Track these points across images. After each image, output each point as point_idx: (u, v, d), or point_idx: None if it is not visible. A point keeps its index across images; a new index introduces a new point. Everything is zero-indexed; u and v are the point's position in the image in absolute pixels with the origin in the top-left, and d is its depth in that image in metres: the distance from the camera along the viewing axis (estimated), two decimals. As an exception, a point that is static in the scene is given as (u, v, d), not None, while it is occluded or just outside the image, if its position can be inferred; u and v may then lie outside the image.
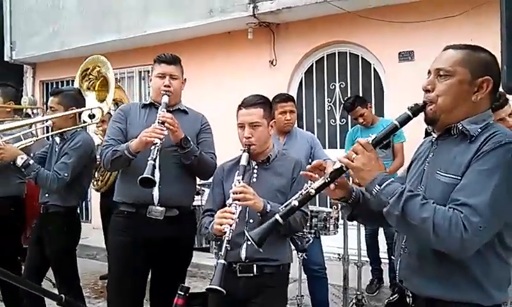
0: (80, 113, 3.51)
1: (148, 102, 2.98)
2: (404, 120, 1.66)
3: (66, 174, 3.21)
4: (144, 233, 2.77)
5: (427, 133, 1.90)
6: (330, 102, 6.10)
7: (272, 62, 6.18)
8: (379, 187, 1.59)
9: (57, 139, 3.43)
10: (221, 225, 2.23)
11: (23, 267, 4.43)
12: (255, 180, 2.48)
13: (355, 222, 4.32)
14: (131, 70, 7.60)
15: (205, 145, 2.99)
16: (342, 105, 5.67)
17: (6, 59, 8.45)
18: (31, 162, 3.23)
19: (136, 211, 2.83)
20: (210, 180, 3.06)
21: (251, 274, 2.37)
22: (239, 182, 2.32)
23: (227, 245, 2.17)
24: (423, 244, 1.58)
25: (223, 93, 6.25)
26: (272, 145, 2.59)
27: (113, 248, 2.95)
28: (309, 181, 1.78)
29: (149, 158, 2.56)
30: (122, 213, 2.88)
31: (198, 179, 3.17)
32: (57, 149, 3.40)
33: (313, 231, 3.52)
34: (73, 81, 8.14)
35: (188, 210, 3.04)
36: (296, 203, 1.73)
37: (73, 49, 7.53)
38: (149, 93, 6.34)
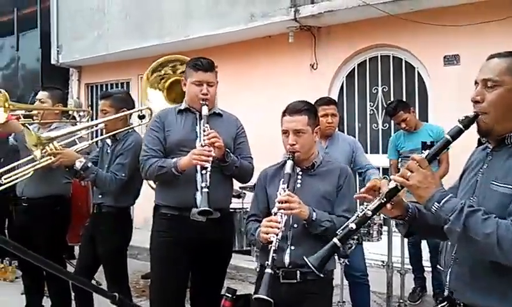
0: (130, 114, 3.60)
1: (183, 108, 2.98)
2: (456, 134, 1.64)
3: (123, 175, 3.30)
4: (187, 235, 2.81)
5: (480, 142, 1.85)
6: (372, 106, 6.01)
7: (313, 66, 6.15)
8: (438, 204, 1.57)
9: (109, 141, 3.52)
10: (267, 234, 2.26)
11: (68, 265, 4.57)
12: (299, 185, 2.48)
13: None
14: (172, 73, 7.71)
15: (243, 150, 3.02)
16: (384, 110, 5.59)
17: (52, 62, 8.74)
18: (90, 164, 3.33)
19: (178, 214, 2.86)
20: (251, 183, 3.09)
21: (295, 281, 2.36)
22: (284, 190, 2.33)
23: (274, 254, 2.20)
24: (483, 257, 1.54)
25: (263, 97, 6.27)
26: (317, 151, 2.57)
27: (156, 249, 2.98)
28: (364, 203, 1.77)
29: (202, 185, 2.64)
30: (165, 215, 2.92)
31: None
32: (109, 151, 3.48)
33: (356, 237, 3.47)
34: (116, 84, 8.45)
35: (227, 212, 3.08)
36: (353, 225, 1.74)
37: (117, 53, 7.72)
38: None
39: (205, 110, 2.83)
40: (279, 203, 2.29)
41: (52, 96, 3.88)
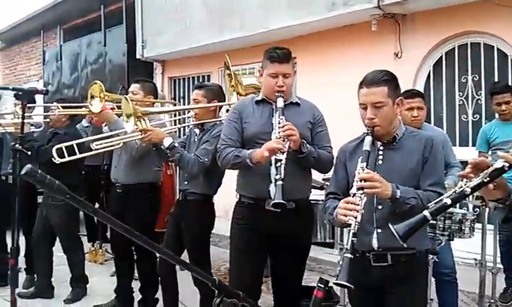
0: (220, 107, 3.69)
1: (260, 98, 2.98)
2: None
3: (206, 160, 3.38)
4: (263, 224, 2.83)
5: None
6: (461, 96, 5.69)
7: (397, 55, 5.93)
8: None
9: (197, 130, 3.62)
10: (345, 216, 2.14)
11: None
12: (380, 162, 2.31)
13: (492, 226, 4.04)
14: (252, 66, 7.77)
15: (321, 139, 2.96)
16: (474, 100, 5.29)
17: (137, 56, 9.10)
18: (176, 144, 3.43)
19: (255, 203, 2.89)
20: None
21: (386, 263, 2.24)
22: (363, 169, 2.18)
23: (353, 238, 2.08)
24: None
25: (344, 87, 6.13)
26: (398, 123, 2.38)
27: (234, 236, 3.03)
28: (463, 179, 1.67)
29: (277, 177, 2.62)
30: (243, 204, 2.97)
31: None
32: (196, 140, 3.59)
33: (446, 233, 3.31)
34: (198, 77, 8.66)
35: (306, 203, 3.02)
36: (448, 201, 1.64)
37: (198, 46, 7.90)
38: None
39: (280, 103, 2.80)
40: (358, 182, 2.15)
41: (143, 88, 4.04)
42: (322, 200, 3.78)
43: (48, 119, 4.48)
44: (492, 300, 3.86)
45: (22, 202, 3.07)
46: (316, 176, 3.16)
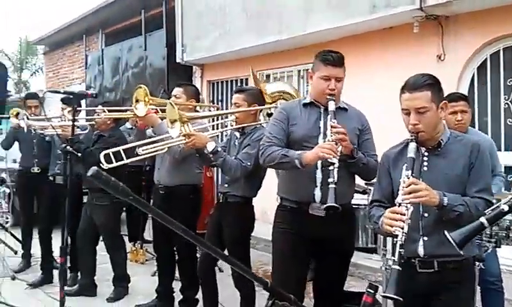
0: (260, 110, 3.71)
1: (308, 101, 2.95)
2: None
3: (249, 164, 3.40)
4: (306, 228, 2.82)
5: None
6: (507, 100, 5.53)
7: (440, 57, 5.81)
8: None
9: (237, 134, 3.65)
10: (391, 226, 2.11)
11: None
12: (425, 168, 2.26)
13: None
14: (290, 69, 7.78)
15: (368, 147, 2.94)
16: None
17: (177, 60, 9.22)
18: (219, 148, 3.47)
19: (297, 207, 2.87)
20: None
21: (432, 270, 2.20)
22: (408, 178, 2.13)
23: (400, 250, 2.04)
24: None
25: (385, 91, 6.06)
26: (443, 127, 2.32)
27: (276, 240, 3.03)
28: None
29: (330, 180, 2.58)
30: (285, 207, 2.95)
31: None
32: (236, 144, 3.62)
33: (493, 240, 3.21)
34: (236, 80, 8.73)
35: (348, 207, 3.00)
36: (505, 207, 1.61)
37: (237, 50, 7.96)
38: (307, 91, 6.46)
39: (331, 106, 2.77)
40: (404, 190, 2.10)
41: (186, 91, 4.10)
42: (364, 205, 3.76)
43: (93, 122, 4.61)
44: (540, 311, 3.73)
45: (71, 202, 3.17)
46: (359, 180, 3.13)
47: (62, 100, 5.02)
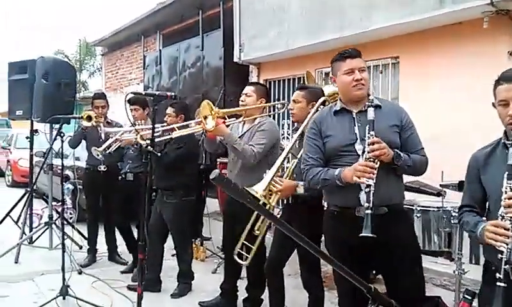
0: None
1: (339, 108, 2.83)
2: None
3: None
4: (353, 233, 2.60)
5: None
6: None
7: (511, 54, 5.57)
8: None
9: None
10: (495, 241, 2.00)
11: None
12: None
13: None
14: (349, 67, 7.64)
15: (412, 143, 2.78)
16: None
17: (234, 60, 9.28)
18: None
19: (343, 211, 2.77)
20: (453, 180, 2.82)
21: None
22: (511, 189, 1.99)
23: (505, 266, 1.94)
24: None
25: (452, 88, 5.86)
26: None
27: (327, 246, 2.95)
28: None
29: (365, 205, 2.49)
30: (332, 212, 2.86)
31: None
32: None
33: None
34: (293, 79, 8.70)
35: (399, 208, 2.83)
36: None
37: (295, 49, 7.92)
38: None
39: (370, 114, 2.61)
40: (506, 204, 1.98)
41: (256, 91, 4.12)
42: (437, 207, 3.65)
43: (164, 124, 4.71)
44: None
45: (148, 199, 3.24)
46: (433, 182, 3.02)
47: (128, 100, 5.17)
